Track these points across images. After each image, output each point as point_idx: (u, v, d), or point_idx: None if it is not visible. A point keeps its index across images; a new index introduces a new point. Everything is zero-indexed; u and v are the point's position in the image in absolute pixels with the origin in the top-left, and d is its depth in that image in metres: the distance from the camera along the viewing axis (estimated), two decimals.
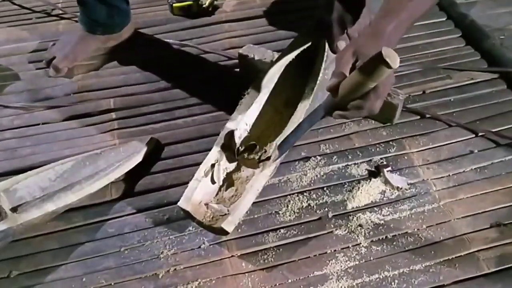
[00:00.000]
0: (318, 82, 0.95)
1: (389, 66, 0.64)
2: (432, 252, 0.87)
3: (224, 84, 1.18)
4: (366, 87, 0.70)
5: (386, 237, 0.89)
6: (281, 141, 0.88)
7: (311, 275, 0.84)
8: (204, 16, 1.40)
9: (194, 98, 1.16)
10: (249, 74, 1.10)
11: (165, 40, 1.32)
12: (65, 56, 1.20)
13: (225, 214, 0.83)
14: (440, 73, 1.21)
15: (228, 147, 0.91)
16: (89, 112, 1.13)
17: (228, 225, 0.81)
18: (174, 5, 1.40)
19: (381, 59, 0.63)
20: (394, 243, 0.88)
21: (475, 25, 1.32)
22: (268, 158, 0.90)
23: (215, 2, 1.43)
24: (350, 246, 0.88)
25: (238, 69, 1.21)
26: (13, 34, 1.35)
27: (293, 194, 0.96)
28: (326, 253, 0.87)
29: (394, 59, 0.63)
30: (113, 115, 1.12)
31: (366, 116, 1.08)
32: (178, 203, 0.84)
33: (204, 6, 1.41)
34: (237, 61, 1.21)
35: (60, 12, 1.41)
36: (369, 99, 0.74)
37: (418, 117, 1.10)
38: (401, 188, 0.95)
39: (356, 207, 0.94)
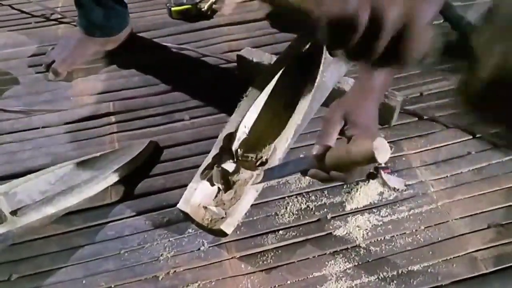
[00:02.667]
0: (316, 84, 0.96)
1: (375, 161, 0.62)
2: (430, 252, 0.87)
3: (222, 87, 1.18)
4: (352, 167, 0.69)
5: (384, 238, 0.90)
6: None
7: (310, 276, 0.85)
8: (203, 20, 1.41)
9: (193, 101, 1.16)
10: (247, 76, 1.10)
11: (164, 43, 1.32)
12: (64, 60, 1.21)
13: (223, 218, 0.83)
14: (437, 75, 1.21)
15: (227, 150, 0.92)
16: (88, 116, 1.13)
17: (227, 227, 0.81)
18: (172, 9, 1.40)
19: (371, 152, 0.61)
20: (393, 244, 0.89)
21: (472, 27, 1.33)
22: (267, 161, 0.90)
23: (214, 6, 1.44)
24: (349, 247, 0.88)
25: (237, 72, 1.21)
26: (12, 39, 1.35)
27: (291, 196, 0.96)
28: (325, 254, 0.88)
29: (383, 153, 0.61)
30: (113, 118, 1.13)
31: None
32: (178, 205, 0.84)
33: (202, 9, 1.41)
34: (235, 64, 1.22)
35: (59, 16, 1.42)
36: (354, 174, 0.72)
37: (416, 119, 1.11)
38: (398, 189, 0.96)
39: (355, 208, 0.94)
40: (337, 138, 0.75)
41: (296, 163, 0.80)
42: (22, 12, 1.45)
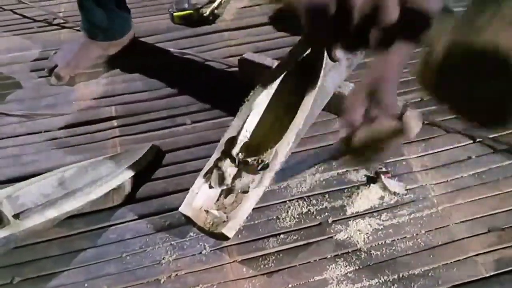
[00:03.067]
0: (317, 88, 0.96)
1: (408, 133, 0.62)
2: (431, 256, 0.87)
3: (224, 92, 1.19)
4: (384, 145, 0.68)
5: (385, 242, 0.90)
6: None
7: (312, 280, 0.85)
8: (205, 25, 1.42)
9: (194, 105, 1.17)
10: (249, 81, 1.11)
11: (166, 48, 1.33)
12: (67, 64, 1.22)
13: (224, 221, 0.84)
14: None
15: (229, 154, 0.92)
16: (91, 120, 1.14)
17: (229, 231, 0.82)
18: (174, 14, 1.41)
19: (401, 129, 0.62)
20: (393, 247, 0.89)
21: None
22: (268, 165, 0.91)
23: (216, 11, 1.45)
24: (350, 251, 0.89)
25: (238, 77, 1.22)
26: (15, 43, 1.36)
27: (293, 200, 0.97)
28: (326, 258, 0.88)
29: (415, 127, 0.61)
30: (115, 122, 1.14)
31: None
32: (179, 209, 0.85)
33: (204, 15, 1.42)
34: (237, 68, 1.22)
35: (62, 21, 1.43)
36: (384, 153, 0.71)
37: None
38: (399, 193, 0.97)
39: (356, 212, 0.95)
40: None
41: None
42: (25, 17, 1.46)
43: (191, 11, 1.41)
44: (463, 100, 0.56)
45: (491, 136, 1.07)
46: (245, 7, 1.50)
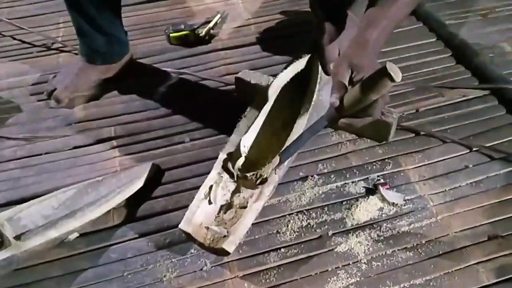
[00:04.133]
0: (312, 103, 0.98)
1: (392, 80, 0.66)
2: (432, 266, 0.88)
3: (221, 109, 1.20)
4: (370, 99, 0.73)
5: (386, 253, 0.90)
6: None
7: None
8: (201, 45, 1.44)
9: (192, 124, 1.18)
10: (246, 98, 1.12)
11: (163, 69, 1.35)
12: (66, 87, 1.23)
13: (225, 236, 0.84)
14: (433, 91, 1.23)
15: (227, 170, 0.93)
16: (90, 141, 1.15)
17: (229, 245, 0.82)
18: (171, 35, 1.43)
19: (386, 73, 0.66)
20: (394, 258, 0.89)
21: (465, 44, 1.36)
22: (266, 179, 0.92)
23: (211, 31, 1.47)
24: (350, 263, 0.89)
25: (235, 94, 1.24)
26: (14, 68, 1.38)
27: (292, 213, 0.97)
28: (327, 270, 0.88)
29: (397, 73, 0.66)
30: (114, 142, 1.14)
31: (361, 135, 1.11)
32: (179, 226, 0.85)
33: (200, 35, 1.44)
34: (233, 86, 1.24)
35: (60, 45, 1.45)
36: (376, 106, 0.76)
37: (413, 134, 1.12)
38: (397, 204, 0.97)
39: (356, 224, 0.95)
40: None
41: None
42: (24, 42, 1.48)
43: (187, 32, 1.43)
44: None
45: (487, 145, 1.08)
46: (240, 26, 1.52)
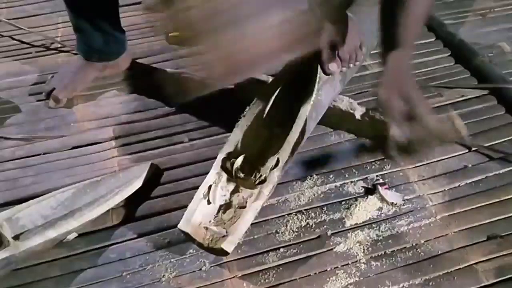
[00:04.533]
0: (311, 103, 0.98)
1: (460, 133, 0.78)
2: (431, 265, 0.88)
3: (220, 109, 1.20)
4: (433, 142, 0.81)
5: (385, 252, 0.90)
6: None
7: None
8: None
9: (191, 123, 1.18)
10: (245, 97, 1.12)
11: (162, 68, 1.34)
12: (65, 87, 1.23)
13: (224, 236, 0.84)
14: (432, 91, 1.23)
15: (226, 169, 0.93)
16: (89, 141, 1.15)
17: (228, 245, 0.82)
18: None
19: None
20: (393, 258, 0.89)
21: (464, 44, 1.36)
22: (266, 179, 0.91)
23: None
24: (349, 263, 0.89)
25: (234, 93, 1.23)
26: (13, 68, 1.38)
27: (291, 213, 0.97)
28: (326, 270, 0.88)
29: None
30: (113, 142, 1.14)
31: (360, 135, 1.11)
32: (178, 225, 0.85)
33: None
34: (232, 86, 1.23)
35: (59, 45, 1.45)
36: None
37: None
38: (396, 204, 0.97)
39: (355, 224, 0.95)
40: None
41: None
42: (23, 42, 1.47)
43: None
44: None
45: (486, 144, 1.08)
46: None
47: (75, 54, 1.36)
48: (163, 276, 0.88)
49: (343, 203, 0.99)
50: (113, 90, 1.29)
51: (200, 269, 0.89)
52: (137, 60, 1.37)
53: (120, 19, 1.26)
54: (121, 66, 1.31)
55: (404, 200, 0.98)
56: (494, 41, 1.39)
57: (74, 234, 0.93)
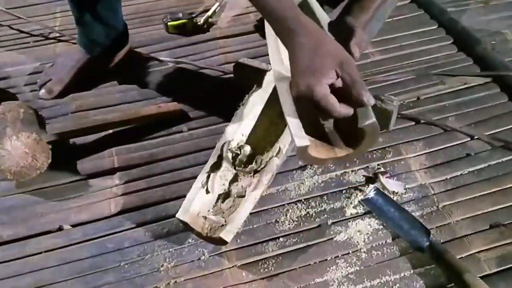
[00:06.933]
0: None
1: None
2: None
3: (220, 98, 1.19)
4: None
5: (386, 241, 0.89)
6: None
7: (312, 282, 0.84)
8: (199, 34, 1.42)
9: (190, 113, 1.17)
10: (244, 85, 1.11)
11: (161, 58, 1.33)
12: (60, 79, 1.22)
13: (223, 225, 0.83)
14: (434, 79, 1.22)
15: (225, 158, 0.92)
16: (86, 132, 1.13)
17: (227, 235, 0.81)
18: (169, 23, 1.42)
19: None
20: (394, 247, 0.88)
21: (466, 31, 1.34)
22: (265, 168, 0.90)
23: (210, 20, 1.45)
24: (350, 252, 0.88)
25: (233, 82, 1.22)
26: (11, 58, 1.36)
27: (291, 203, 0.96)
28: (326, 260, 0.87)
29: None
30: (111, 131, 1.13)
31: None
32: (177, 215, 0.84)
33: (199, 23, 1.43)
34: (232, 75, 1.22)
35: (57, 35, 1.43)
36: None
37: (413, 123, 1.11)
38: (398, 193, 0.96)
39: (355, 213, 0.94)
40: None
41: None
42: (21, 32, 1.46)
43: (185, 21, 1.41)
44: None
45: (489, 133, 1.07)
46: (239, 14, 1.50)
47: (74, 43, 1.35)
48: (162, 265, 0.87)
49: (343, 192, 0.97)
50: (111, 80, 1.27)
51: (199, 259, 0.88)
52: (136, 49, 1.36)
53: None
54: (121, 56, 1.30)
55: (405, 189, 0.97)
56: (497, 28, 1.37)
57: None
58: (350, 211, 0.94)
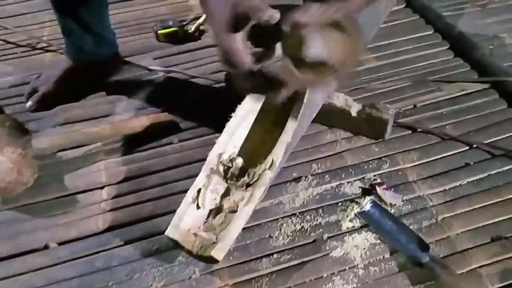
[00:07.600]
0: (305, 100, 0.93)
1: None
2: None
3: (211, 108, 1.16)
4: None
5: (383, 256, 0.86)
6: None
7: None
8: (190, 42, 1.40)
9: (181, 124, 1.14)
10: (237, 93, 1.08)
11: (151, 67, 1.30)
12: (48, 90, 1.19)
13: (214, 242, 0.80)
14: (431, 86, 1.19)
15: (216, 171, 0.89)
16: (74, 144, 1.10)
17: (218, 253, 0.78)
18: (159, 32, 1.39)
19: None
20: (392, 262, 0.85)
21: (463, 36, 1.31)
22: (258, 180, 0.87)
23: (201, 27, 1.42)
24: (346, 268, 0.85)
25: (225, 92, 1.19)
26: None
27: (285, 217, 0.93)
28: (322, 277, 0.84)
29: None
30: (99, 144, 1.09)
31: (357, 133, 1.07)
32: (166, 232, 0.80)
33: (190, 31, 1.40)
34: (224, 84, 1.19)
35: (45, 45, 1.40)
36: None
37: (410, 131, 1.08)
38: (395, 205, 0.93)
39: (352, 227, 0.91)
40: None
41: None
42: (8, 42, 1.43)
43: (176, 29, 1.39)
44: None
45: (488, 141, 1.04)
46: None
47: (62, 53, 1.32)
48: (151, 285, 0.84)
49: (339, 204, 0.94)
50: (100, 91, 1.24)
51: (190, 278, 0.85)
52: (126, 59, 1.33)
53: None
54: (110, 66, 1.27)
55: (403, 201, 0.94)
56: (495, 33, 1.35)
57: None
58: (346, 224, 0.91)
